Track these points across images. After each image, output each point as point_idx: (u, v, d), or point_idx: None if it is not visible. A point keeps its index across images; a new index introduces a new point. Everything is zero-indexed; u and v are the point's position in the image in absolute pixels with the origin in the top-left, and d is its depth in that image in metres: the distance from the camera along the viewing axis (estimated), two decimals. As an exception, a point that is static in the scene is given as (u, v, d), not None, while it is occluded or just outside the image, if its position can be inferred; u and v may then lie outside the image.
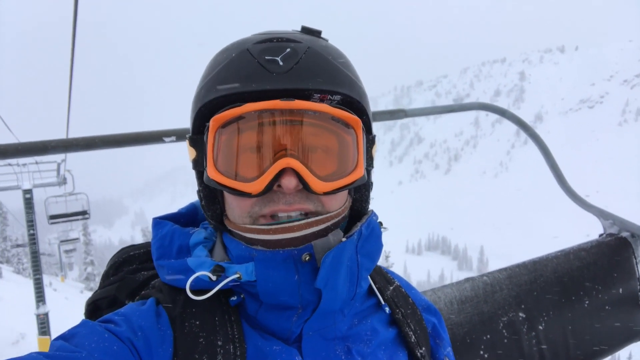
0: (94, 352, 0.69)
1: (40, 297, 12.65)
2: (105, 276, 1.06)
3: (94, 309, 1.01)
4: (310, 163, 0.78)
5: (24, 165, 14.57)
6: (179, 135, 1.83)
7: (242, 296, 0.84)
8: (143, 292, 0.92)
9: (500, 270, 2.05)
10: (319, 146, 0.80)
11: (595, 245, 2.25)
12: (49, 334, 12.63)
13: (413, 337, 0.95)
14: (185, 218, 1.00)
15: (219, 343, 0.76)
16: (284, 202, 0.79)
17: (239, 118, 0.77)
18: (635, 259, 2.26)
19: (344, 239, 0.81)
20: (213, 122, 0.79)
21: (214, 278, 0.78)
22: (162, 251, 0.88)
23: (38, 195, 15.50)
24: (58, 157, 14.88)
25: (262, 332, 0.83)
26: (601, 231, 2.46)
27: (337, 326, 0.86)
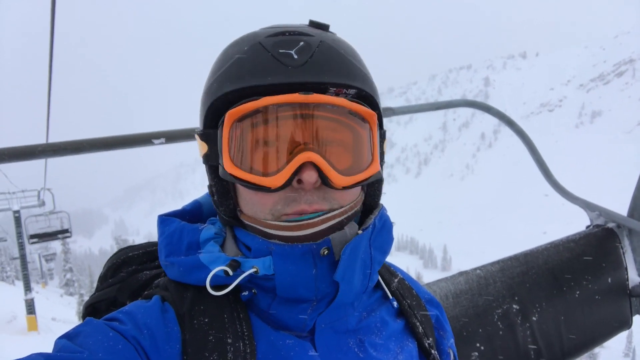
0: (97, 351, 0.67)
1: (27, 286, 16.58)
2: (103, 278, 1.03)
3: (92, 311, 0.99)
4: (330, 157, 0.78)
5: (14, 193, 18.14)
6: (168, 137, 1.81)
7: (253, 291, 0.83)
8: (146, 292, 0.90)
9: (493, 264, 2.07)
10: (337, 140, 0.80)
11: (584, 236, 2.27)
12: (35, 313, 16.28)
13: (420, 327, 0.96)
14: (190, 215, 0.98)
15: (229, 340, 0.75)
16: (304, 201, 0.78)
17: (257, 112, 0.76)
18: (622, 248, 2.29)
19: (359, 232, 0.82)
20: (229, 116, 0.77)
21: (230, 273, 0.78)
22: (171, 248, 0.86)
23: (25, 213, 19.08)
24: (38, 185, 17.53)
25: (275, 326, 0.82)
26: (587, 223, 2.50)
27: (347, 319, 0.87)
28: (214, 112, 0.82)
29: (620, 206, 2.49)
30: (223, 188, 0.87)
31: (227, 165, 0.79)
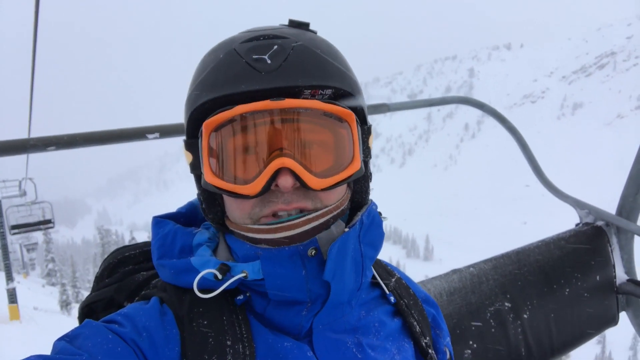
0: (97, 354, 0.68)
1: (9, 276, 16.06)
2: (99, 278, 1.03)
3: (88, 312, 0.99)
4: (306, 160, 0.78)
5: (-6, 183, 17.33)
6: (162, 132, 1.79)
7: (247, 294, 0.84)
8: (144, 292, 0.90)
9: (485, 261, 2.10)
10: (314, 143, 0.80)
11: (573, 234, 2.31)
12: (17, 302, 15.83)
13: (417, 327, 0.96)
14: (185, 218, 0.99)
15: (228, 343, 0.75)
16: (282, 201, 0.78)
17: (231, 121, 0.77)
18: (610, 246, 2.33)
19: (346, 229, 0.81)
20: (205, 127, 0.78)
21: (220, 277, 0.78)
22: (164, 250, 0.87)
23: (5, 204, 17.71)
24: (20, 175, 16.86)
25: (272, 328, 0.82)
26: (567, 214, 2.62)
27: (346, 318, 0.87)
28: (195, 122, 0.82)
29: (600, 197, 2.59)
30: (210, 196, 0.88)
31: (207, 175, 0.81)
